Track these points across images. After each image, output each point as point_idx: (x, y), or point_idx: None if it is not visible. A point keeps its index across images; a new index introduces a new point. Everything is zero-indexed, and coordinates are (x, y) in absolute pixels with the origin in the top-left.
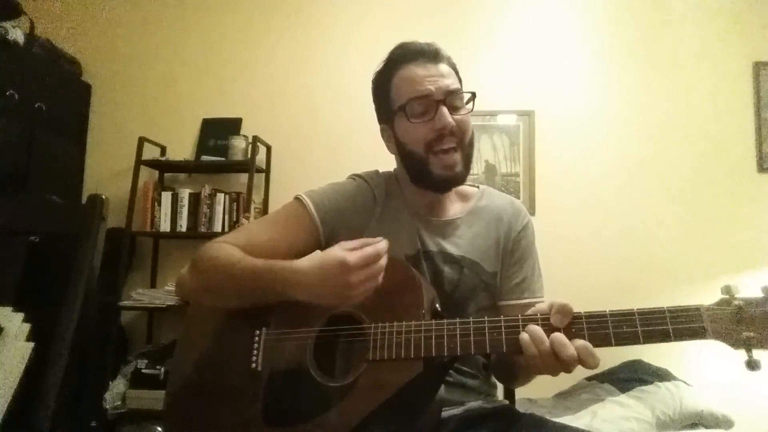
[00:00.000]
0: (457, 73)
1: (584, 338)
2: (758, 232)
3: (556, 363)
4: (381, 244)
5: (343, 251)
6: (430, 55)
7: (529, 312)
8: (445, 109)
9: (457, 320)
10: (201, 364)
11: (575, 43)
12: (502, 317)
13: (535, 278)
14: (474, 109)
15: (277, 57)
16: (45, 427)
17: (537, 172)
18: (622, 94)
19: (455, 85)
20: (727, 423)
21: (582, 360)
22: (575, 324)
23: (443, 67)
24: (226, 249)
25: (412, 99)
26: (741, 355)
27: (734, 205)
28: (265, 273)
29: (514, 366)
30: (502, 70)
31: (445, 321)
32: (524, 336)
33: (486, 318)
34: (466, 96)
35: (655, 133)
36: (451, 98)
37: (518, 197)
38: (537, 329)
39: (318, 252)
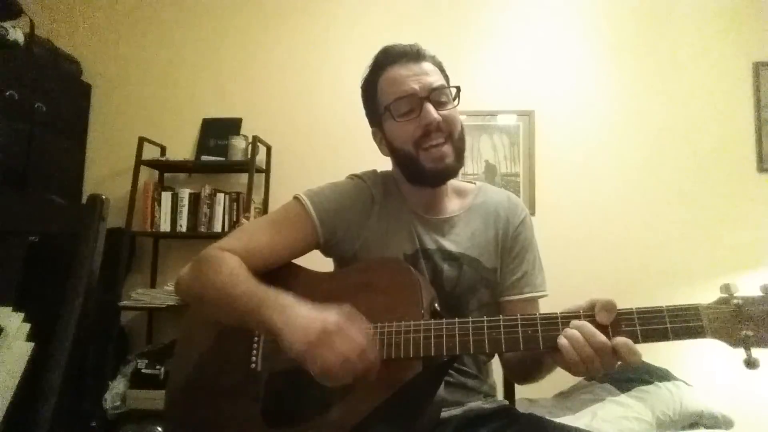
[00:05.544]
0: (442, 70)
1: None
2: (758, 232)
3: (606, 363)
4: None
5: (353, 326)
6: (412, 55)
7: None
8: (429, 106)
9: (456, 320)
10: (201, 365)
11: (575, 43)
12: (518, 316)
13: (536, 272)
14: (473, 109)
15: (277, 57)
16: (45, 427)
17: (537, 172)
18: (622, 94)
19: (439, 82)
20: (727, 423)
21: (623, 357)
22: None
23: (426, 66)
24: (229, 265)
25: (396, 99)
26: (740, 354)
27: (734, 205)
28: (258, 298)
29: (536, 362)
30: (502, 70)
31: (444, 321)
32: (572, 332)
33: (485, 318)
34: (453, 91)
35: (655, 133)
36: (435, 95)
37: (518, 197)
38: (587, 325)
39: (324, 311)
